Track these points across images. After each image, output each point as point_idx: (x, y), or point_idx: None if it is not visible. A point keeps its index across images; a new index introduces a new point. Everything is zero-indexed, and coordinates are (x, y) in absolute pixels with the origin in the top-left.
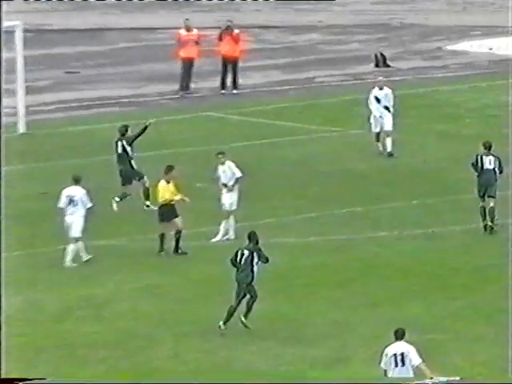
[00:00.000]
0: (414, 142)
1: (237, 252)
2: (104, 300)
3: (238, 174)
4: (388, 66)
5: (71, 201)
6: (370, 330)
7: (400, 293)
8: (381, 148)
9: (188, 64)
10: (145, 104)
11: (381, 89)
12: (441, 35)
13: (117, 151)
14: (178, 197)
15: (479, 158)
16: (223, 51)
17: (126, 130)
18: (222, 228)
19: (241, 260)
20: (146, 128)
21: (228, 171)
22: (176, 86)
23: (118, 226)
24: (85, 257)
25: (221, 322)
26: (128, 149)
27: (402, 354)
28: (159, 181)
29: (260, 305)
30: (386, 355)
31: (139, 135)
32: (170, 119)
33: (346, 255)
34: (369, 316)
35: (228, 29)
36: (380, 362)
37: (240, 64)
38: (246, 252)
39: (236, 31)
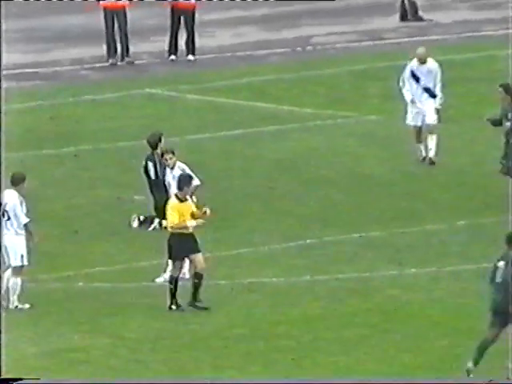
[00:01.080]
0: (460, 134)
1: (495, 265)
2: None
3: (196, 181)
4: (420, 18)
5: (4, 212)
6: None
7: (437, 359)
8: (423, 152)
9: (114, 16)
10: (55, 76)
11: (422, 62)
12: None
13: (148, 175)
14: (193, 222)
15: None
16: None
17: (160, 140)
18: (170, 262)
19: (494, 276)
20: None
21: None
22: (102, 50)
23: None
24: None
25: (469, 364)
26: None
27: None
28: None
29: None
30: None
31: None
32: (93, 99)
33: (356, 303)
34: None
35: None
36: None
37: (198, 16)
38: (502, 264)
39: None
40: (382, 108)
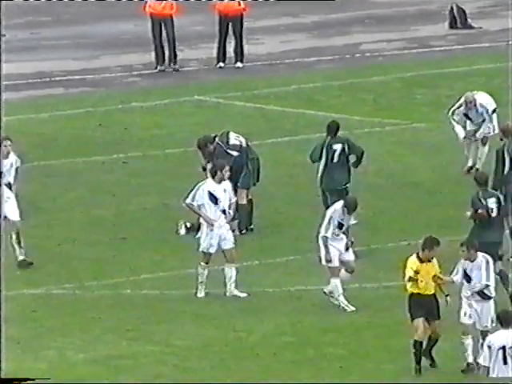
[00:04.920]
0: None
1: None
2: (38, 376)
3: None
4: (470, 26)
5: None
6: None
7: None
8: (470, 162)
9: (161, 23)
10: (104, 83)
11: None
12: None
13: None
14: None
15: None
16: (221, 5)
17: (212, 142)
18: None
19: None
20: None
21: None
22: (150, 56)
23: (60, 267)
24: None
25: None
26: None
27: None
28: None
29: None
30: (490, 347)
31: None
32: (142, 106)
33: (404, 311)
34: None
35: None
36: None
37: (246, 23)
38: None
39: None
40: (430, 116)
